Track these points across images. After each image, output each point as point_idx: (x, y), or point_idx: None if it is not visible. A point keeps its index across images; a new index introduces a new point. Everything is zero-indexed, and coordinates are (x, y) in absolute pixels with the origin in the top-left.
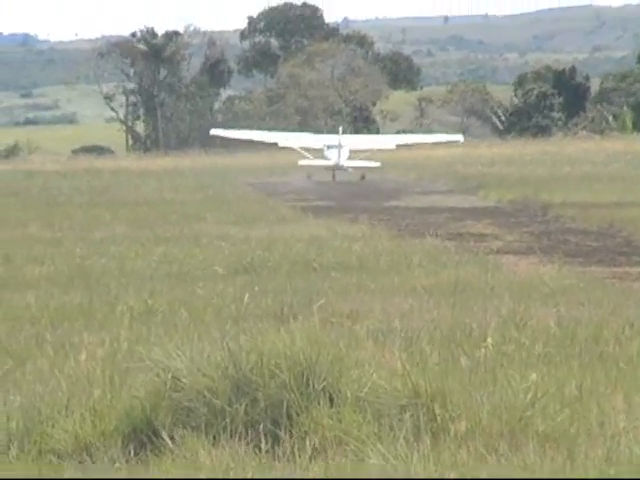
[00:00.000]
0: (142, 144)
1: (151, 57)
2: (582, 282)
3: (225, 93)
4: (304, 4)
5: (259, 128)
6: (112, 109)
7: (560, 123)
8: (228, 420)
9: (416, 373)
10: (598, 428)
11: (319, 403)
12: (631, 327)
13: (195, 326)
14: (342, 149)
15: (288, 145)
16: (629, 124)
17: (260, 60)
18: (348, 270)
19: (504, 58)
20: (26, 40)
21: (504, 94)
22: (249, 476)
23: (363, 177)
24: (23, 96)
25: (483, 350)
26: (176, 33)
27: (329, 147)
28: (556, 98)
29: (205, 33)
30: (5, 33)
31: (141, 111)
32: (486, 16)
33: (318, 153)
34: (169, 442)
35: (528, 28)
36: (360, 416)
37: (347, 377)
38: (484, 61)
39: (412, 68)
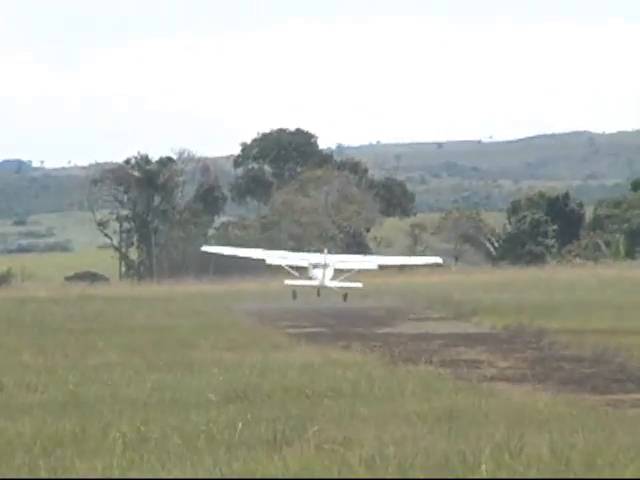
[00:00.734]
0: (136, 271)
1: (145, 184)
2: (576, 409)
3: (219, 220)
4: (297, 130)
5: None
6: (106, 235)
7: (554, 250)
8: None
9: None
10: None
11: None
12: (626, 453)
13: (188, 453)
14: (327, 268)
15: (275, 263)
16: (622, 251)
17: (253, 187)
18: (341, 397)
19: (498, 185)
20: (20, 167)
21: (498, 221)
22: None
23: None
24: (17, 223)
25: (477, 477)
26: (170, 159)
27: (314, 266)
28: (550, 225)
29: (199, 159)
30: None
31: (135, 238)
32: (480, 142)
33: (304, 271)
34: None
35: (522, 155)
36: None
37: None
38: (478, 188)
39: (406, 194)
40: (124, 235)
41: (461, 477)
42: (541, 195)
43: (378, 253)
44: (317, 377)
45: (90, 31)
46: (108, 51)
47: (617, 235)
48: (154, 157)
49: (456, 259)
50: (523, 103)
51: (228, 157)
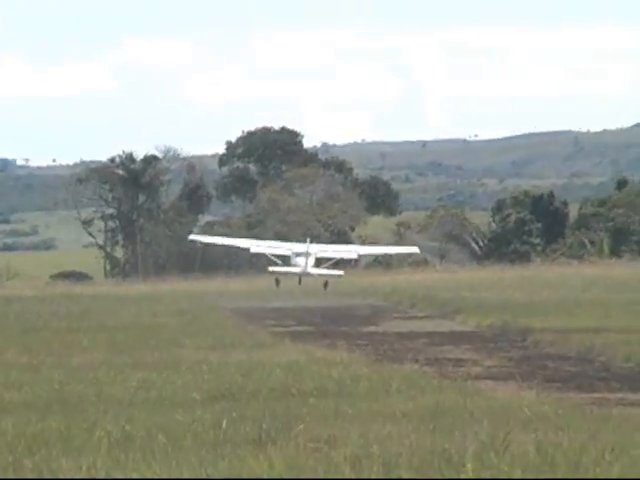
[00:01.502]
0: (121, 269)
1: (130, 182)
2: (561, 408)
3: (204, 218)
4: (283, 129)
5: (236, 253)
6: (90, 235)
7: (539, 249)
8: None
9: None
10: None
11: None
12: (611, 453)
13: (173, 452)
14: (309, 257)
15: (260, 251)
16: (607, 249)
17: (239, 186)
18: (326, 396)
19: (482, 183)
20: (4, 165)
21: (483, 220)
22: None
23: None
24: (1, 222)
25: (462, 476)
26: (155, 158)
27: (297, 255)
28: (534, 224)
29: (184, 158)
30: None
31: (120, 236)
32: (465, 141)
33: (287, 259)
34: None
35: (506, 153)
36: None
37: None
38: (462, 186)
39: (390, 193)
40: (109, 234)
41: (446, 476)
42: (526, 194)
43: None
44: (302, 376)
45: (75, 29)
46: (93, 49)
47: (602, 234)
48: (139, 156)
49: (441, 258)
50: (507, 102)
51: (213, 156)
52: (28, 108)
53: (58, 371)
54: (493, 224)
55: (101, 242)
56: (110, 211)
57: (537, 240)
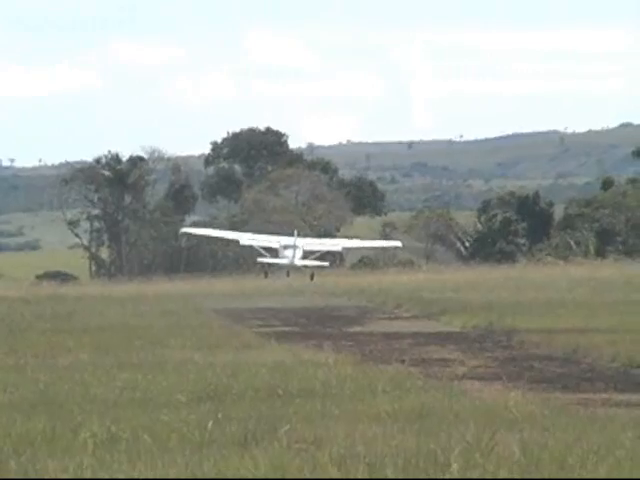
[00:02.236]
0: (106, 270)
1: (115, 183)
2: (547, 408)
3: (190, 219)
4: (268, 130)
5: (223, 253)
6: (76, 235)
7: (524, 249)
8: None
9: None
10: None
11: None
12: (596, 453)
13: (159, 453)
14: (296, 249)
15: (249, 244)
16: (592, 250)
17: (224, 186)
18: (312, 396)
19: (468, 184)
20: None
21: (468, 220)
22: None
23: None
24: None
25: (448, 476)
26: (140, 159)
27: (285, 247)
28: (520, 224)
29: (169, 159)
30: None
31: (105, 237)
32: (450, 142)
33: (275, 252)
34: None
35: (492, 154)
36: None
37: None
38: (448, 187)
39: (376, 194)
40: (94, 234)
41: (432, 477)
42: (511, 194)
43: (348, 252)
44: (288, 376)
45: (61, 30)
46: (79, 50)
47: (587, 234)
48: (125, 156)
49: (427, 258)
50: (493, 103)
51: (199, 156)
52: (13, 108)
53: (43, 372)
54: (479, 224)
55: (86, 243)
56: (95, 212)
57: (523, 240)
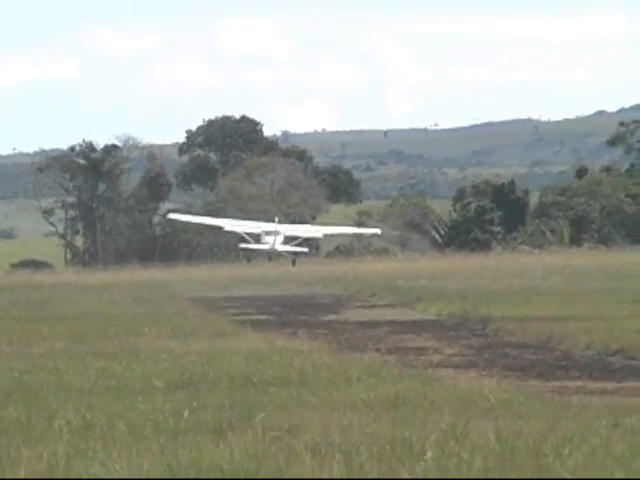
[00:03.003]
0: (81, 258)
1: (90, 171)
2: (521, 396)
3: (164, 207)
4: (243, 118)
5: (198, 242)
6: (51, 224)
7: (499, 237)
8: None
9: None
10: None
11: None
12: (571, 441)
13: (134, 441)
14: (277, 235)
15: (232, 229)
16: (567, 238)
17: (199, 174)
18: (288, 384)
19: (443, 172)
20: None
21: (443, 208)
22: None
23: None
24: None
25: (423, 464)
26: (115, 147)
27: (267, 233)
28: (495, 212)
29: (144, 147)
30: None
31: (80, 225)
32: (425, 130)
33: (257, 237)
34: None
35: (467, 142)
36: None
37: None
38: (423, 175)
39: (352, 182)
40: (69, 222)
41: (407, 464)
42: (487, 183)
43: (324, 240)
44: (263, 364)
45: (36, 17)
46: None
47: (562, 222)
48: (99, 144)
49: (402, 246)
50: (468, 91)
51: (173, 145)
52: None
53: (18, 360)
54: (454, 213)
55: (61, 231)
56: (70, 200)
57: (498, 228)
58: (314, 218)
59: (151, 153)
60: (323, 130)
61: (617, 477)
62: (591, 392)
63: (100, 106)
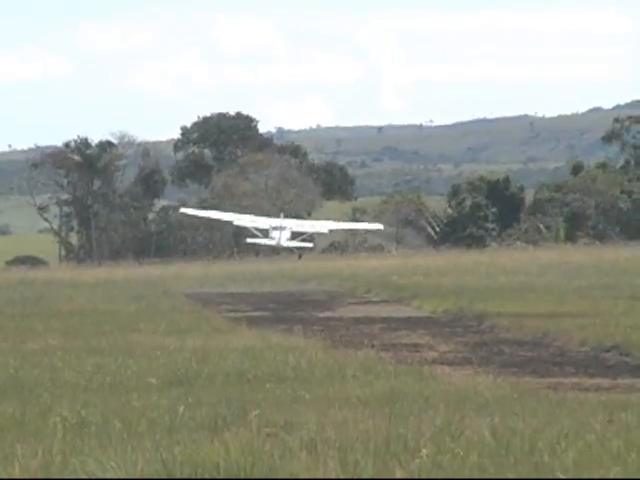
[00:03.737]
0: (76, 255)
1: (85, 168)
2: (516, 392)
3: (159, 203)
4: (238, 114)
5: (193, 239)
6: (46, 220)
7: (494, 233)
8: None
9: None
10: None
11: None
12: (566, 437)
13: (129, 437)
14: (284, 230)
15: (242, 224)
16: (562, 235)
17: (194, 170)
18: (283, 381)
19: (438, 169)
20: None
21: (438, 205)
22: None
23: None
24: None
25: (418, 461)
26: (110, 143)
27: (274, 228)
28: (490, 209)
29: (139, 144)
30: None
31: (75, 222)
32: (420, 127)
33: (265, 232)
34: None
35: (462, 139)
36: None
37: None
38: (418, 172)
39: (346, 178)
40: (64, 219)
41: (402, 461)
42: (482, 179)
43: (319, 237)
44: (258, 361)
45: (29, 14)
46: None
47: (557, 219)
48: (94, 141)
49: (397, 243)
50: (463, 87)
51: (168, 141)
52: None
53: (13, 356)
54: (449, 209)
55: (56, 227)
56: (65, 196)
57: (493, 225)
58: (309, 214)
59: (146, 150)
60: (318, 126)
61: (612, 472)
62: (586, 388)
63: (95, 103)
